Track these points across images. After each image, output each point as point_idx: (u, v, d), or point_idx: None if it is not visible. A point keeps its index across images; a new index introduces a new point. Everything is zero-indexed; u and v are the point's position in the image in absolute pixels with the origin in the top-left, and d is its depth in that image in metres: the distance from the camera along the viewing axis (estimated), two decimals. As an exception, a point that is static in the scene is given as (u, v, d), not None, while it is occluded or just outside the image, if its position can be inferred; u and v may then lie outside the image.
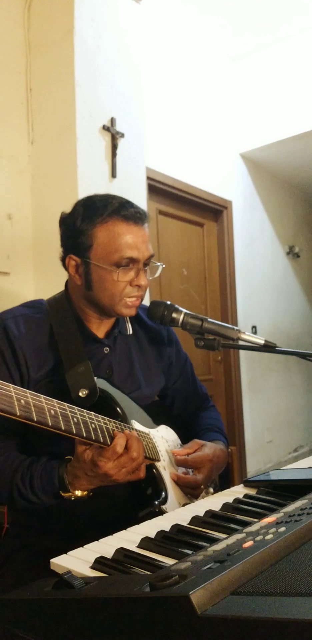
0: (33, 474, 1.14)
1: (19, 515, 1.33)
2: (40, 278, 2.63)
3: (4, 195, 2.54)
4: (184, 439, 1.45)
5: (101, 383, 1.22)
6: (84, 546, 0.81)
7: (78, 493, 1.11)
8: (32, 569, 1.15)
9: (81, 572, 0.72)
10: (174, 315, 1.33)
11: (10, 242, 2.55)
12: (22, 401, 0.93)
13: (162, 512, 1.13)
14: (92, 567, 0.73)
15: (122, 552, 0.76)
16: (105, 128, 2.61)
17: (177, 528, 0.86)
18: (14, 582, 1.15)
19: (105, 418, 1.12)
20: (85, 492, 1.12)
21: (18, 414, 0.91)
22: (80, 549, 0.80)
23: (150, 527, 0.89)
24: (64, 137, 2.52)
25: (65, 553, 0.79)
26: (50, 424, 0.97)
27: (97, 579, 0.66)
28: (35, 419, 0.94)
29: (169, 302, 1.35)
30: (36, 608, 0.62)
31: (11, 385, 0.92)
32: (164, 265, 1.38)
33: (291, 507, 0.81)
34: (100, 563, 0.73)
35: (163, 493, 1.21)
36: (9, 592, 0.66)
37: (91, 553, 0.78)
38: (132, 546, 0.80)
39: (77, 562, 0.76)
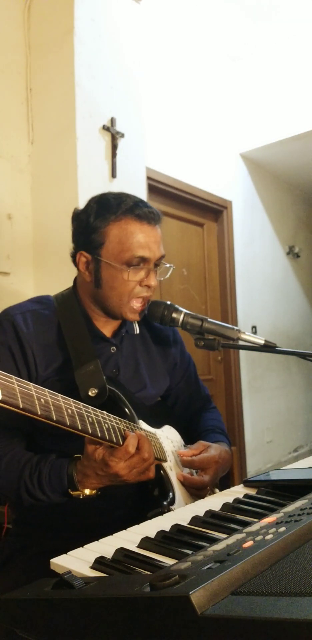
0: (41, 471, 1.13)
1: (21, 513, 1.33)
2: (40, 278, 2.63)
3: (4, 195, 2.54)
4: (186, 439, 1.45)
5: (109, 382, 1.21)
6: (84, 546, 0.81)
7: (87, 492, 1.11)
8: (32, 569, 1.15)
9: (81, 572, 0.72)
10: (174, 315, 1.33)
11: (10, 242, 2.55)
12: (42, 400, 0.92)
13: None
14: (92, 567, 0.73)
15: (122, 552, 0.76)
16: (105, 128, 2.61)
17: (177, 528, 0.86)
18: (14, 582, 1.15)
19: (117, 418, 1.12)
20: (94, 491, 1.11)
21: (39, 413, 0.91)
22: (80, 549, 0.80)
23: (150, 527, 0.89)
24: (64, 137, 2.52)
25: (65, 553, 0.79)
26: (68, 424, 0.97)
27: (97, 579, 0.66)
28: (54, 419, 0.94)
29: (169, 302, 1.35)
30: (36, 608, 0.62)
31: (31, 384, 0.92)
32: (174, 267, 1.37)
33: (291, 507, 0.81)
34: (100, 563, 0.73)
35: (171, 494, 1.20)
36: (9, 592, 0.66)
37: (91, 553, 0.78)
38: (132, 546, 0.80)
39: (77, 562, 0.76)
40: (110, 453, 1.06)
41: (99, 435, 1.03)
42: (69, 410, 0.98)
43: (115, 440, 1.07)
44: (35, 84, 2.67)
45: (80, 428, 0.99)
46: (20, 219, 2.61)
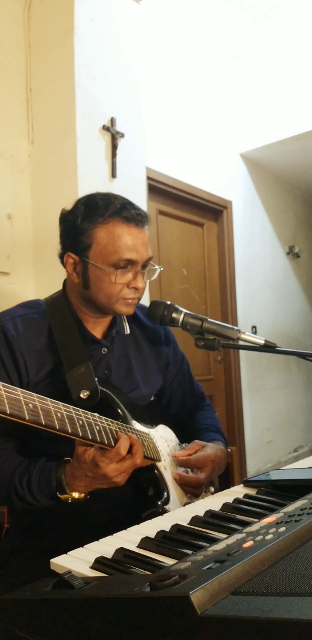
0: (31, 474, 1.14)
1: (19, 515, 1.33)
2: (40, 278, 2.63)
3: (4, 195, 2.54)
4: (181, 438, 1.45)
5: (101, 384, 1.21)
6: (84, 546, 0.81)
7: (75, 495, 1.11)
8: (32, 569, 1.15)
9: (81, 572, 0.72)
10: (174, 315, 1.33)
11: (10, 242, 2.55)
12: (30, 405, 0.92)
13: (164, 512, 1.13)
14: (92, 567, 0.73)
15: (122, 552, 0.76)
16: (105, 128, 2.61)
17: (177, 528, 0.86)
18: (14, 582, 1.15)
19: (108, 419, 1.12)
20: (82, 495, 1.11)
21: (27, 418, 0.91)
22: (80, 549, 0.80)
23: (150, 527, 0.89)
24: (64, 137, 2.52)
25: (65, 553, 0.79)
26: (57, 427, 0.97)
27: (97, 579, 0.66)
28: (43, 423, 0.94)
29: (169, 302, 1.35)
30: (36, 608, 0.62)
31: (19, 389, 0.92)
32: (162, 268, 1.37)
33: (291, 507, 0.81)
34: (100, 563, 0.73)
35: (165, 493, 1.21)
36: (9, 592, 0.66)
37: (91, 553, 0.78)
38: (132, 546, 0.80)
39: (77, 562, 0.76)
40: (101, 454, 1.06)
41: (90, 437, 1.03)
42: (59, 414, 0.98)
43: (106, 442, 1.07)
44: (35, 84, 2.67)
45: (70, 431, 0.99)
46: (20, 219, 2.61)
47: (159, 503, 1.18)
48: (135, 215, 1.25)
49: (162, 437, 1.35)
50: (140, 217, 1.26)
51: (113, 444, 1.08)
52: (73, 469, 1.10)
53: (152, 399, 1.47)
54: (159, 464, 1.25)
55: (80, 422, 1.02)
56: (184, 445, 1.43)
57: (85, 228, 1.24)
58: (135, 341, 1.43)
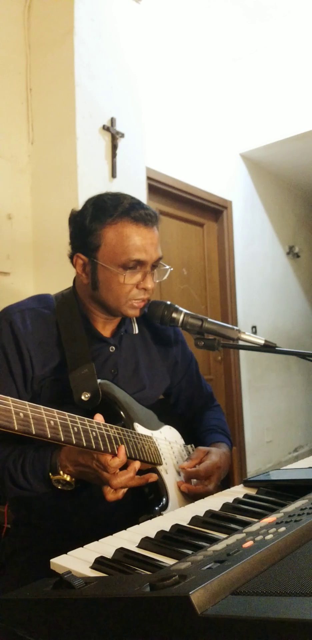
0: (26, 456, 1.14)
1: (20, 514, 1.33)
2: (40, 278, 2.63)
3: (4, 195, 2.54)
4: (188, 438, 1.44)
5: (105, 385, 1.21)
6: (84, 546, 0.81)
7: (67, 478, 1.11)
8: (32, 569, 1.15)
9: (81, 572, 0.72)
10: (174, 315, 1.33)
11: (10, 242, 2.55)
12: (21, 414, 0.91)
13: None
14: (92, 567, 0.73)
15: (122, 552, 0.76)
16: (105, 128, 2.61)
17: (177, 528, 0.86)
18: (14, 582, 1.15)
19: (107, 425, 1.11)
20: (73, 480, 1.12)
21: (16, 428, 0.90)
22: (80, 549, 0.80)
23: (150, 527, 0.89)
24: (64, 137, 2.52)
25: (65, 553, 0.79)
26: (49, 436, 0.96)
27: (97, 579, 0.66)
28: (34, 432, 0.93)
29: (169, 302, 1.35)
30: (36, 608, 0.62)
31: (10, 398, 0.90)
32: (172, 269, 1.36)
33: (291, 507, 0.81)
34: (100, 563, 0.73)
35: (164, 499, 1.20)
36: (9, 592, 0.66)
37: (91, 553, 0.78)
38: (132, 546, 0.80)
39: (77, 562, 0.76)
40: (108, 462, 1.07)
41: (85, 444, 1.03)
42: (52, 422, 0.97)
43: (103, 449, 1.06)
44: (35, 84, 2.67)
45: (63, 439, 0.98)
46: (20, 219, 2.61)
47: (156, 509, 1.17)
48: (144, 215, 1.23)
49: (166, 440, 1.34)
50: (150, 216, 1.25)
51: (110, 450, 1.07)
52: (75, 454, 1.10)
53: (160, 397, 1.47)
54: (159, 468, 1.25)
55: (75, 429, 1.01)
56: (189, 446, 1.43)
57: (94, 228, 1.24)
58: (144, 341, 1.43)
